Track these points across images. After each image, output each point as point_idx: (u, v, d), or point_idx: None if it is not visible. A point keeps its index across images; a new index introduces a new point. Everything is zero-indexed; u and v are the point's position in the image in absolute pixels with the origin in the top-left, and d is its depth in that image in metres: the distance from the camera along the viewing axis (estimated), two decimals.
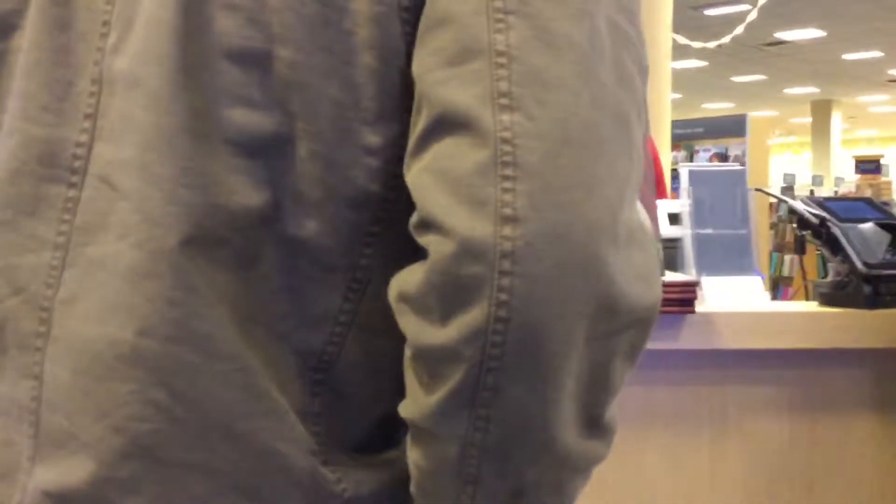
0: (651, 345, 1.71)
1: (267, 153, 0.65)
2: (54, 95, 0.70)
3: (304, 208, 0.65)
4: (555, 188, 0.57)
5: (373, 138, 0.65)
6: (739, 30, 7.41)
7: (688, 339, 1.54)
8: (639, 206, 0.64)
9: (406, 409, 0.64)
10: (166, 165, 0.65)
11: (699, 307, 1.54)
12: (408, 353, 0.63)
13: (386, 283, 0.65)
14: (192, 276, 0.64)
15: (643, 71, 0.66)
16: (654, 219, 1.53)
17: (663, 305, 1.47)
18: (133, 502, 0.65)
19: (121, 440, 0.65)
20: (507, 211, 0.57)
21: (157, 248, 0.64)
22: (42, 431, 0.68)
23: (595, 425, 0.63)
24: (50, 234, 0.69)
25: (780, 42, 12.84)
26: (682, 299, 1.49)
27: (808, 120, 18.35)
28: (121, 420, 0.65)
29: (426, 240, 0.59)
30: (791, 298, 5.96)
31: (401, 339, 0.64)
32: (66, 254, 0.68)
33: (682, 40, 6.56)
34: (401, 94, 0.65)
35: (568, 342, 0.58)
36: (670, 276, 1.55)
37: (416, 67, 0.63)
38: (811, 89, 17.14)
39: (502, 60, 0.59)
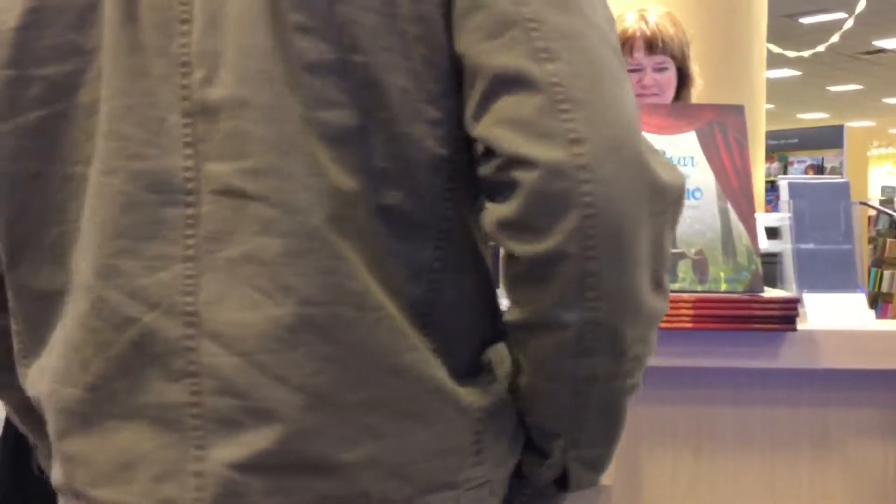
0: (749, 363, 1.64)
1: (353, 142, 0.77)
2: (151, 132, 0.79)
3: (390, 181, 0.78)
4: (600, 110, 0.74)
5: (436, 113, 0.79)
6: (835, 38, 7.21)
7: (788, 357, 1.47)
8: None
9: (522, 313, 0.79)
10: (293, 163, 0.76)
11: (801, 325, 1.48)
12: (518, 269, 0.77)
13: (465, 228, 0.82)
14: (337, 246, 0.76)
15: (611, 16, 0.84)
16: (751, 232, 1.48)
17: (763, 322, 1.43)
18: (320, 445, 0.76)
19: (302, 396, 0.75)
20: (573, 135, 0.73)
21: (304, 231, 0.76)
22: (209, 419, 0.77)
23: (660, 286, 0.80)
24: (177, 251, 0.79)
25: (879, 50, 12.47)
26: (783, 316, 1.43)
27: None
28: (299, 379, 0.75)
29: (513, 175, 0.74)
30: (892, 316, 5.76)
31: (483, 273, 0.82)
32: (199, 262, 0.78)
33: (776, 49, 6.41)
34: (450, 73, 0.78)
35: (638, 223, 0.74)
36: (770, 293, 1.49)
37: (462, 47, 0.77)
38: None
39: (534, 25, 0.75)
